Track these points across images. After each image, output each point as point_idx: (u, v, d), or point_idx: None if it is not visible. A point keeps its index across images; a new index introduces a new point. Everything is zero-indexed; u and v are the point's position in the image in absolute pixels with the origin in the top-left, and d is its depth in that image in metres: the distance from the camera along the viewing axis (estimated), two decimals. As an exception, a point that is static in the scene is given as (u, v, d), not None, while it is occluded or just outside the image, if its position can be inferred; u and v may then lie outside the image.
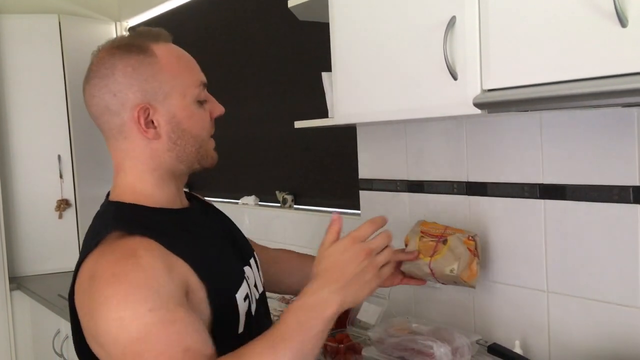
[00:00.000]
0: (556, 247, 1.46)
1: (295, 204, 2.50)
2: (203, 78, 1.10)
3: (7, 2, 3.26)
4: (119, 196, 1.06)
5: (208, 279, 1.00)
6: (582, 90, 1.01)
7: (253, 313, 1.11)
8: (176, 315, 0.89)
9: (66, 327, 2.56)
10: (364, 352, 1.58)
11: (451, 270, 1.46)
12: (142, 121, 1.02)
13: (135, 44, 1.04)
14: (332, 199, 2.31)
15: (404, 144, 1.83)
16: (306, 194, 2.47)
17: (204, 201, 1.30)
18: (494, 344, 1.46)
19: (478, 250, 1.51)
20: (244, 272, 1.12)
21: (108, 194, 1.10)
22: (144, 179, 1.06)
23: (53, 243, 3.28)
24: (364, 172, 2.00)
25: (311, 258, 1.60)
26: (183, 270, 0.97)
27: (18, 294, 3.15)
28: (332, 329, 1.88)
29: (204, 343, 0.89)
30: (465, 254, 1.48)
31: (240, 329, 1.05)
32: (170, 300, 0.90)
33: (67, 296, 1.01)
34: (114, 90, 1.01)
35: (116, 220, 1.00)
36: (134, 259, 0.92)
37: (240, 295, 1.06)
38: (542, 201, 1.48)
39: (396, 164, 1.87)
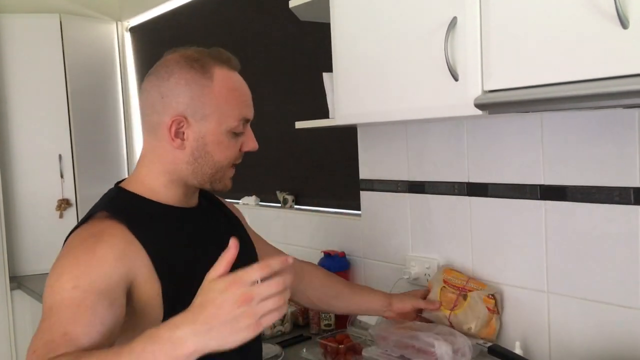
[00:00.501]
0: (557, 248, 1.46)
1: (296, 204, 2.50)
2: (248, 115, 1.14)
3: (8, 2, 3.25)
4: (125, 184, 1.14)
5: (166, 278, 1.03)
6: (583, 91, 1.01)
7: None
8: (86, 300, 0.93)
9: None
10: (364, 353, 1.58)
11: (469, 329, 1.50)
12: (172, 129, 1.08)
13: (200, 61, 1.10)
14: (332, 200, 2.31)
15: (405, 144, 1.83)
16: (307, 194, 2.47)
17: (216, 202, 1.31)
18: (494, 344, 1.46)
19: (498, 306, 1.53)
20: None
21: (118, 182, 1.17)
22: (156, 176, 1.12)
23: (54, 243, 3.22)
24: (364, 173, 2.00)
25: (336, 277, 1.60)
26: (140, 262, 1.01)
27: (18, 293, 3.15)
28: (333, 330, 1.90)
29: (85, 335, 0.90)
30: (484, 313, 1.50)
31: None
32: (96, 286, 0.94)
33: None
34: (163, 93, 1.09)
35: (109, 203, 1.09)
36: (94, 240, 0.99)
37: None
38: (542, 202, 1.48)
39: (397, 165, 1.86)
